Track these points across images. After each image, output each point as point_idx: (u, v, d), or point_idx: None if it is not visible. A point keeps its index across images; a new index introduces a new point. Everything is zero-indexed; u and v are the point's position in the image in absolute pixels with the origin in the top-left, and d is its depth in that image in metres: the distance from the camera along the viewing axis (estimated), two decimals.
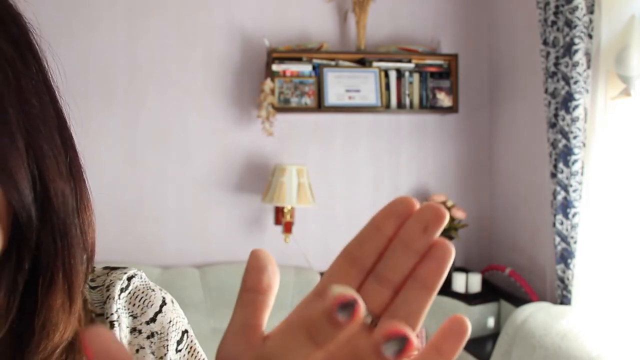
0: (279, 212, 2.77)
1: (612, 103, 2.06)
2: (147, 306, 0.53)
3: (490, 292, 2.69)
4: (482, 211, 3.02)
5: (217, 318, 2.52)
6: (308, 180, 2.67)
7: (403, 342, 0.22)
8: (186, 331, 0.55)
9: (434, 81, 2.80)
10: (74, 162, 0.43)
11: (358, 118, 2.91)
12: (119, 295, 0.51)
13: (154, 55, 2.74)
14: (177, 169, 2.78)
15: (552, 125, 2.22)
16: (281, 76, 2.69)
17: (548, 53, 2.22)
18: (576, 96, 2.09)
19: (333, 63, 2.74)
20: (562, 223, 2.19)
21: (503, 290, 2.68)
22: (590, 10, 2.07)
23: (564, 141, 2.16)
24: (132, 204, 2.74)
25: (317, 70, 2.72)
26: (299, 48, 2.74)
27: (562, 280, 2.21)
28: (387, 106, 2.76)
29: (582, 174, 2.13)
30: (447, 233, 2.77)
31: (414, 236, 0.26)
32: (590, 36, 2.08)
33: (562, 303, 2.21)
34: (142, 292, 0.53)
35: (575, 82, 2.09)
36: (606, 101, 2.07)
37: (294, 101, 2.69)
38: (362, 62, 2.79)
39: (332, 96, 2.70)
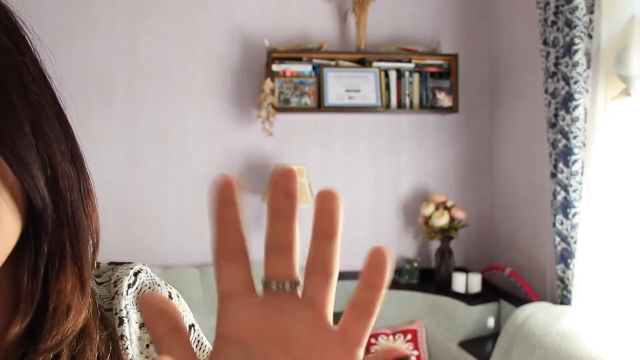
0: None
1: (612, 103, 2.06)
2: None
3: (490, 292, 2.69)
4: (482, 211, 3.02)
5: None
6: (308, 180, 2.67)
7: None
8: (193, 325, 0.56)
9: (434, 81, 2.80)
10: (74, 148, 0.43)
11: (358, 118, 2.91)
12: (127, 291, 0.51)
13: (154, 55, 2.74)
14: (177, 169, 2.78)
15: (552, 125, 2.22)
16: (281, 76, 2.69)
17: (548, 53, 2.22)
18: (576, 96, 2.09)
19: (333, 63, 2.74)
20: (562, 223, 2.19)
21: (503, 290, 2.68)
22: (590, 10, 2.07)
23: (564, 141, 2.15)
24: (132, 204, 2.74)
25: (317, 70, 2.71)
26: (299, 48, 2.74)
27: (562, 280, 2.21)
28: (387, 106, 2.76)
29: (582, 174, 2.13)
30: (448, 233, 2.77)
31: (282, 205, 0.28)
32: (590, 36, 2.08)
33: (562, 303, 2.21)
34: (149, 288, 0.54)
35: (575, 82, 2.08)
36: (606, 101, 2.07)
37: (294, 101, 2.69)
38: (362, 62, 2.79)
39: (332, 96, 2.69)
